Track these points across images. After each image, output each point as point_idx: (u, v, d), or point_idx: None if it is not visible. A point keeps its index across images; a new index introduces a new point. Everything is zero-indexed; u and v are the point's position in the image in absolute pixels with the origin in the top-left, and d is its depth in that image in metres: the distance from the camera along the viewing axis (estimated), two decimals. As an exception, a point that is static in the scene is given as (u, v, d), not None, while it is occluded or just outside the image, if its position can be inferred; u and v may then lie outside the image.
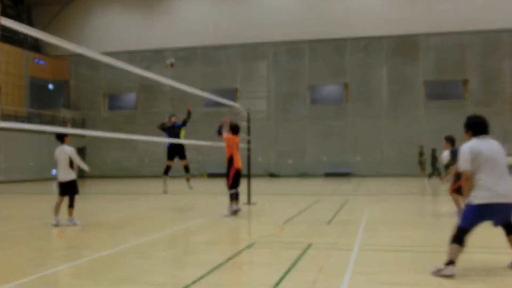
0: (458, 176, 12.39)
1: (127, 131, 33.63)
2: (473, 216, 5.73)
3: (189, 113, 14.59)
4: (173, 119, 14.92)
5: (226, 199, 12.17)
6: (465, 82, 34.68)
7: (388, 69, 35.41)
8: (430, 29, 34.51)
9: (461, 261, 5.79)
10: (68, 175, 10.16)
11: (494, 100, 33.85)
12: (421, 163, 30.55)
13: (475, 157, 5.71)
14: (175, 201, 16.27)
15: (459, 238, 5.74)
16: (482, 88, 34.13)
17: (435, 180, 26.05)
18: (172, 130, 14.56)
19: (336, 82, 36.74)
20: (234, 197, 11.63)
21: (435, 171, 27.86)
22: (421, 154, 30.42)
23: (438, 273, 5.62)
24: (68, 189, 10.17)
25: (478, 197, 5.64)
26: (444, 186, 15.57)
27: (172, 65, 13.56)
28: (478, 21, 33.60)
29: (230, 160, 11.88)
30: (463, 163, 5.80)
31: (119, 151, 37.57)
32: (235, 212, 11.55)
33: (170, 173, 14.73)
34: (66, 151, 10.16)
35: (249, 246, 7.91)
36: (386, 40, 35.40)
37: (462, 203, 12.60)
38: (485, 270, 6.07)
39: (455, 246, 5.70)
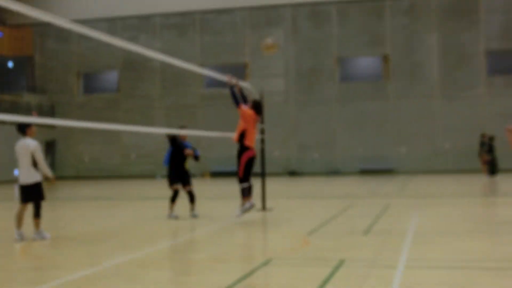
0: None
1: (108, 119, 33.82)
2: None
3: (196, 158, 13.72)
4: (184, 134, 13.95)
5: (233, 203, 12.18)
6: (538, 51, 34.40)
7: (439, 36, 35.14)
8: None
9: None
10: (32, 176, 9.96)
11: None
12: (482, 156, 30.20)
13: None
14: (166, 208, 16.29)
15: None
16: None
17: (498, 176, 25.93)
18: (179, 151, 13.62)
19: (373, 54, 36.62)
20: (247, 193, 11.52)
21: (492, 166, 27.27)
22: (482, 144, 30.06)
23: None
24: (32, 195, 10.01)
25: None
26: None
27: (272, 46, 12.88)
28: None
29: (241, 138, 11.64)
30: None
31: (98, 145, 37.72)
32: (248, 210, 11.57)
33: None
34: (29, 146, 9.94)
35: (265, 264, 7.90)
36: (436, 0, 35.16)
37: None
38: None
39: None
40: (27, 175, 9.98)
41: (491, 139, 28.07)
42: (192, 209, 13.57)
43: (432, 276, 7.07)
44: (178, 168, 13.46)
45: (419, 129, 34.38)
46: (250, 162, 11.50)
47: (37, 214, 10.09)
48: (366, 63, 37.33)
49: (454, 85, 34.73)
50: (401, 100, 35.02)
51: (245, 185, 11.39)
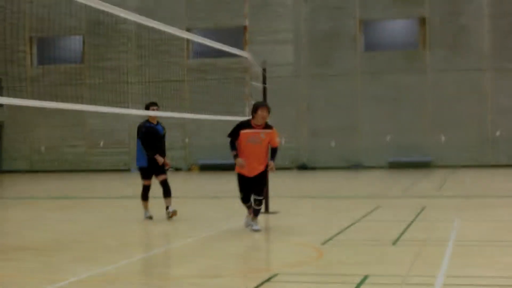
0: None
1: (71, 97, 33.83)
2: None
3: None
4: (154, 109, 14.19)
5: (227, 203, 12.18)
6: None
7: (491, -5, 35.17)
8: None
9: None
10: None
11: None
12: None
13: None
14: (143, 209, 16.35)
15: None
16: None
17: None
18: (155, 135, 14.19)
19: (407, 15, 36.60)
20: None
21: None
22: None
23: None
24: None
25: None
26: None
27: None
28: None
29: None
30: None
31: (58, 130, 37.77)
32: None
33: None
34: None
35: (267, 281, 7.94)
36: None
37: None
38: None
39: None
40: None
41: None
42: (168, 204, 13.88)
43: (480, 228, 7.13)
44: (154, 160, 13.78)
45: (464, 111, 34.39)
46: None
47: None
48: (397, 27, 37.33)
49: (509, 56, 34.75)
50: (442, 75, 35.02)
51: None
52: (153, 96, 35.08)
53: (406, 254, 9.63)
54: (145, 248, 11.03)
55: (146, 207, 13.88)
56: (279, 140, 11.53)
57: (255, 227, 11.50)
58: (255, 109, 11.26)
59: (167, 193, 13.93)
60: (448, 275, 7.98)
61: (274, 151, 11.35)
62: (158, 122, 14.27)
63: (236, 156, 11.26)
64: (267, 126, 11.29)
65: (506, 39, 34.73)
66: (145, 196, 13.89)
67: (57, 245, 11.23)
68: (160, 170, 14.01)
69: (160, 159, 13.68)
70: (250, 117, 11.48)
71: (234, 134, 11.18)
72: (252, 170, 11.13)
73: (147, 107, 13.93)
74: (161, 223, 13.63)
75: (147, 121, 14.07)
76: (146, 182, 13.95)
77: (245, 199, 11.46)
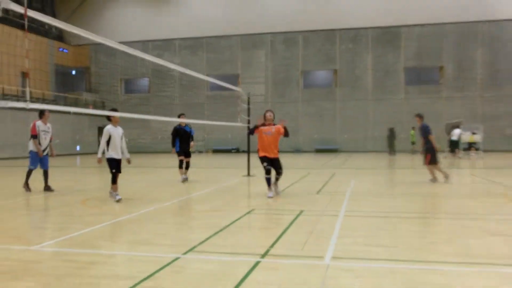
0: (428, 149, 12.58)
1: (142, 112, 33.64)
2: None
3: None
4: (182, 117, 13.48)
5: (228, 171, 12.04)
6: (441, 68, 34.58)
7: (372, 57, 35.23)
8: (411, 21, 34.31)
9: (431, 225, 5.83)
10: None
11: (466, 86, 33.81)
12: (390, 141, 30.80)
13: None
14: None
15: None
16: (456, 74, 34.05)
17: (398, 155, 26.66)
18: (184, 133, 13.52)
19: (327, 68, 36.59)
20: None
21: (391, 147, 28.89)
22: (391, 133, 30.68)
23: None
24: (120, 167, 9.48)
25: None
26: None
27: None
28: (455, 14, 33.41)
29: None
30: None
31: (135, 129, 37.49)
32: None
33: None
34: (119, 131, 9.53)
35: (249, 212, 7.96)
36: (372, 31, 35.17)
37: (438, 173, 12.73)
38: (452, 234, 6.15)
39: None
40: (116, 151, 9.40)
41: (391, 129, 30.18)
42: (185, 173, 13.39)
43: (364, 221, 7.18)
44: (184, 147, 13.43)
45: (357, 121, 34.56)
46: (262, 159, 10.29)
47: (113, 181, 9.37)
48: (321, 75, 37.31)
49: (382, 92, 34.90)
50: (345, 101, 35.13)
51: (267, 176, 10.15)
52: (187, 112, 35.09)
53: (324, 198, 9.66)
54: (177, 196, 10.95)
55: (181, 173, 13.34)
56: (283, 130, 10.27)
57: (270, 194, 9.90)
58: (264, 114, 10.40)
59: (187, 167, 13.43)
60: (347, 210, 8.04)
61: (286, 133, 10.27)
62: (186, 125, 13.56)
63: (251, 131, 10.40)
64: (275, 124, 10.37)
65: (381, 83, 34.86)
66: (180, 166, 13.35)
67: (135, 193, 11.14)
68: (187, 154, 13.44)
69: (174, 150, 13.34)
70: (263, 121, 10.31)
71: (252, 130, 10.35)
72: (270, 152, 10.07)
73: (178, 116, 13.35)
74: (187, 183, 13.54)
75: (179, 124, 13.48)
76: (180, 158, 13.31)
77: (268, 171, 9.92)
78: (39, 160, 11.10)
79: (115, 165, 9.34)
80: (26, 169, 11.21)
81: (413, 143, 29.78)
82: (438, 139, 13.36)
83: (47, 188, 11.13)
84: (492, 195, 10.08)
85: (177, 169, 13.83)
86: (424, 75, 35.17)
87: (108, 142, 9.28)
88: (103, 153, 9.24)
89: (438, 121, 33.14)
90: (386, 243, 5.65)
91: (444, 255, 5.04)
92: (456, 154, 25.20)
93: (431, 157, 12.54)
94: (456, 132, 25.48)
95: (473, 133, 26.90)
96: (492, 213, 7.84)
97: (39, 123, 11.08)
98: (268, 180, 10.04)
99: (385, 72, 34.96)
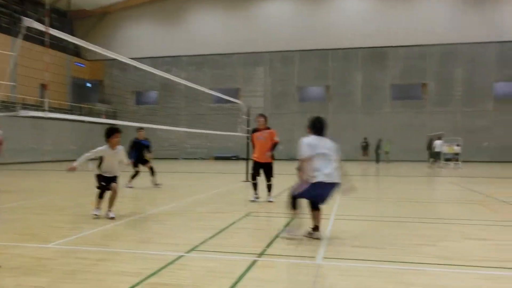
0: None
1: (150, 121, 33.65)
2: None
3: None
4: (140, 132, 12.83)
5: (228, 177, 11.97)
6: (424, 85, 34.70)
7: (362, 74, 35.35)
8: (397, 42, 34.49)
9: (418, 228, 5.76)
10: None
11: (448, 101, 33.92)
12: (376, 152, 30.39)
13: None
14: (185, 179, 16.19)
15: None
16: (438, 91, 34.17)
17: (382, 164, 26.73)
18: (139, 147, 12.82)
19: (320, 84, 36.67)
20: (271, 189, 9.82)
21: (377, 157, 28.95)
22: (378, 145, 30.38)
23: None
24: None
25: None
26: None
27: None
28: (438, 36, 33.61)
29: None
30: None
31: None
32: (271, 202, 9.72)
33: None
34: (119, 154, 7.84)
35: (246, 215, 7.92)
36: (361, 51, 35.32)
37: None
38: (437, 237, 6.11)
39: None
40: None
41: (379, 140, 29.77)
42: (155, 181, 12.73)
43: (352, 225, 7.14)
44: (140, 157, 12.77)
45: (348, 132, 34.47)
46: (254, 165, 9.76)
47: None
48: (315, 90, 37.39)
49: (370, 106, 34.97)
50: (337, 114, 35.09)
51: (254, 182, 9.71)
52: (192, 122, 35.01)
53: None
54: (179, 199, 10.86)
55: (129, 182, 12.33)
56: (278, 139, 9.82)
57: (270, 199, 9.62)
58: (255, 118, 9.97)
59: (153, 174, 12.82)
60: (337, 214, 7.96)
61: (274, 145, 9.59)
62: (145, 139, 13.01)
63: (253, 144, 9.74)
64: (268, 129, 9.79)
65: (369, 98, 34.95)
66: (133, 177, 12.54)
67: (141, 195, 11.06)
68: (143, 162, 12.84)
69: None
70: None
71: (251, 135, 9.87)
72: (262, 157, 9.50)
73: (137, 130, 12.60)
74: (190, 187, 13.36)
75: (136, 138, 12.81)
76: (136, 169, 12.62)
77: (254, 177, 9.61)
78: None
79: (103, 180, 7.50)
80: (41, 172, 11.15)
81: (386, 152, 29.77)
82: (420, 151, 13.34)
83: None
84: (470, 202, 10.05)
85: (185, 174, 13.77)
86: (409, 91, 35.26)
87: (100, 162, 7.63)
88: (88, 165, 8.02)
89: (422, 133, 33.28)
90: (373, 244, 5.61)
91: (427, 256, 5.01)
92: (436, 164, 25.23)
93: None
94: (438, 144, 25.51)
95: (457, 145, 26.76)
96: (470, 218, 7.81)
97: None
98: (253, 185, 9.71)
99: (373, 88, 35.05)
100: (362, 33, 34.86)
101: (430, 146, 26.47)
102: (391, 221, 7.48)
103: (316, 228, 5.96)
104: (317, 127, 6.35)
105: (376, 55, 35.03)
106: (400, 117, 34.22)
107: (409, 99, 34.95)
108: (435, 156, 25.69)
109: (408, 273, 4.37)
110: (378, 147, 29.31)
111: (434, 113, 33.98)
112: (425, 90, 34.58)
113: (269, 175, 9.70)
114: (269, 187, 9.73)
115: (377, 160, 28.97)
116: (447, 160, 26.50)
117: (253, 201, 9.59)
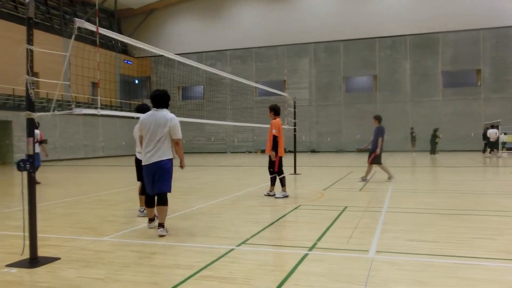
0: (374, 150, 12.42)
1: (197, 116, 34.21)
2: None
3: None
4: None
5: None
6: (478, 72, 33.22)
7: (411, 62, 34.26)
8: (448, 27, 33.15)
9: (476, 221, 5.55)
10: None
11: (503, 87, 32.34)
12: (432, 142, 29.07)
13: None
14: (233, 172, 16.32)
15: None
16: (493, 77, 32.63)
17: (440, 154, 25.63)
18: None
19: (367, 74, 35.89)
20: (284, 183, 9.51)
21: (433, 147, 27.58)
22: (435, 134, 28.93)
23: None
24: None
25: None
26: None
27: None
28: (491, 19, 32.07)
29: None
30: None
31: (191, 132, 38.19)
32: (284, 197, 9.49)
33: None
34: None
35: (295, 208, 7.90)
36: (410, 38, 34.23)
37: (384, 172, 12.26)
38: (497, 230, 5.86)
39: None
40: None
41: (435, 130, 28.22)
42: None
43: (405, 217, 6.98)
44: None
45: (396, 123, 33.56)
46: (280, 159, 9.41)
47: None
48: (362, 80, 36.64)
49: (420, 95, 33.87)
50: (385, 104, 34.28)
51: (282, 176, 9.40)
52: (238, 116, 35.28)
53: (367, 195, 9.47)
54: (228, 192, 10.98)
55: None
56: (274, 131, 9.24)
57: (265, 193, 9.68)
58: None
59: None
60: (389, 206, 7.82)
61: (274, 137, 9.11)
62: None
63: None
64: (276, 118, 9.60)
65: (419, 86, 33.86)
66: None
67: (191, 190, 11.26)
68: None
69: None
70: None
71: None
72: (267, 148, 9.41)
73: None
74: (243, 179, 13.45)
75: None
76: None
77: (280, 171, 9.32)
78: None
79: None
80: (95, 168, 11.58)
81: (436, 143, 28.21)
82: (474, 140, 12.82)
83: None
84: (532, 193, 9.56)
85: (232, 168, 13.91)
86: (461, 78, 33.87)
87: None
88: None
89: (477, 121, 31.91)
90: (427, 238, 5.45)
91: (487, 251, 4.81)
92: (494, 153, 24.16)
93: (374, 157, 12.43)
94: (491, 132, 24.40)
95: (505, 133, 25.62)
96: (532, 210, 7.42)
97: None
98: (280, 180, 9.34)
99: (423, 76, 33.92)
100: (409, 19, 33.76)
101: (485, 135, 25.36)
102: (446, 213, 7.23)
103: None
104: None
105: (426, 42, 33.85)
106: (452, 105, 32.96)
107: (461, 86, 33.60)
108: (492, 145, 24.56)
109: (467, 267, 4.21)
110: (435, 136, 27.93)
111: (489, 100, 32.50)
112: (479, 76, 33.11)
113: (269, 167, 9.45)
114: (273, 180, 9.46)
115: (433, 151, 27.58)
116: (509, 149, 25.37)
117: (278, 197, 9.22)
